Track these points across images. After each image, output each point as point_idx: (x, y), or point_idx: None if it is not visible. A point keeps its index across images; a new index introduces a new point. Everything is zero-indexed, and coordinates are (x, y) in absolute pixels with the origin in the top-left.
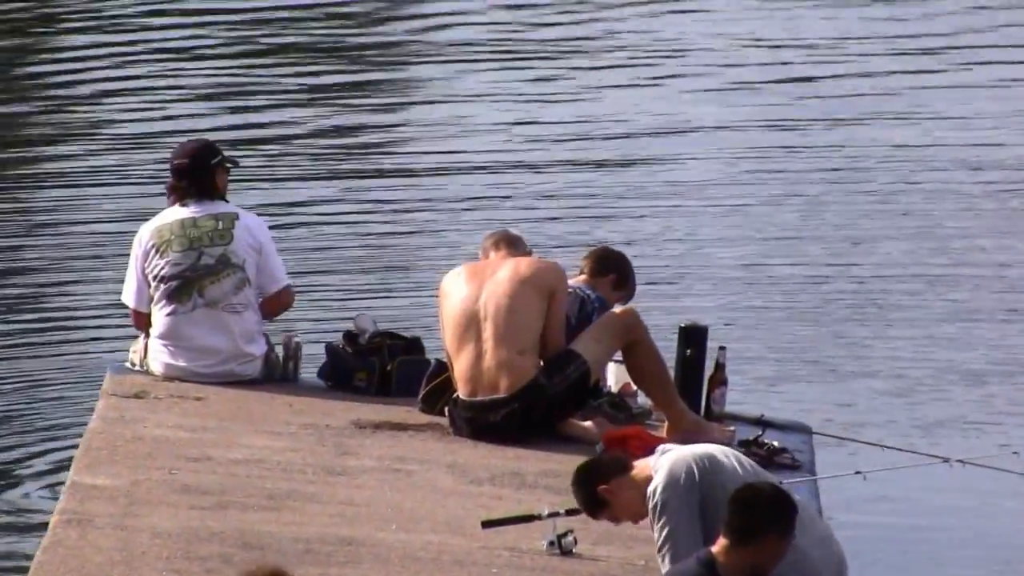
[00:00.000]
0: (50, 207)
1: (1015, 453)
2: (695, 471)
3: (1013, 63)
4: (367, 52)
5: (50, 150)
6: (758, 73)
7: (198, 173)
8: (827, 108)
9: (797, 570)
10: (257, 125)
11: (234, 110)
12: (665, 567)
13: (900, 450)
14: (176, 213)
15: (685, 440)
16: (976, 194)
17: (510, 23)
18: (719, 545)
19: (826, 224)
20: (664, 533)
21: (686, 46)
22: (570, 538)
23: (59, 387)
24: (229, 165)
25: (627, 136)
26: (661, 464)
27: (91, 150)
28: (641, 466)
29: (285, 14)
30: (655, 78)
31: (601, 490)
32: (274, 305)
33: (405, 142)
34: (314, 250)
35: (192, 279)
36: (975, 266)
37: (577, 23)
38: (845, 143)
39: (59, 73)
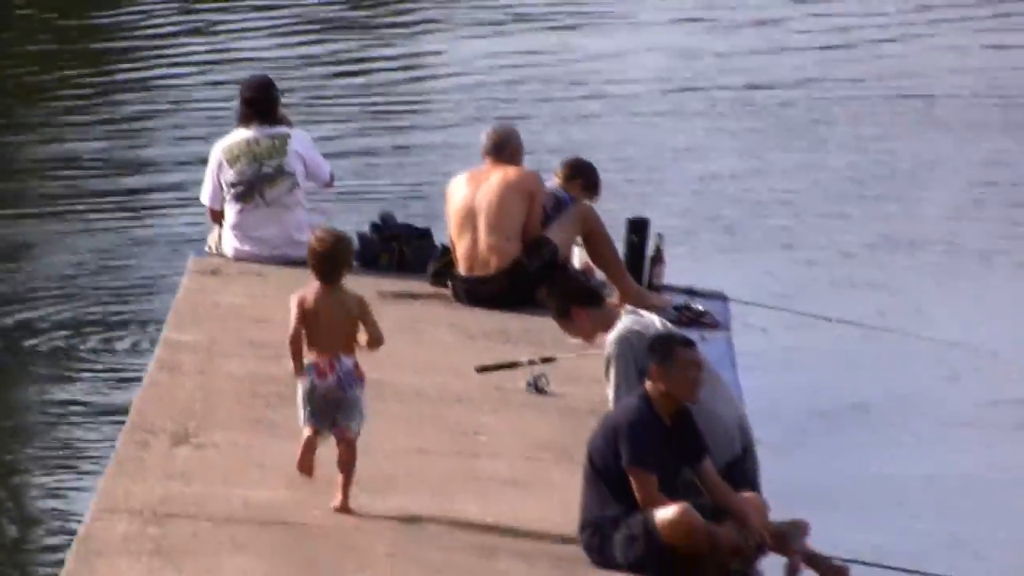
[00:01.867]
0: (146, 127)
1: (881, 314)
2: (641, 336)
3: None
4: None
5: (142, 72)
6: None
7: (261, 103)
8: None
9: (709, 424)
10: (304, 48)
11: (289, 38)
12: (611, 400)
13: (795, 311)
14: (243, 134)
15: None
16: (900, 95)
17: None
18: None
19: (758, 122)
20: (613, 376)
21: None
22: (544, 380)
23: (152, 267)
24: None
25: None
26: (620, 324)
27: (178, 76)
28: (609, 311)
29: None
30: None
31: (573, 309)
32: (328, 188)
33: (420, 77)
34: (350, 160)
35: (255, 184)
36: (892, 146)
37: None
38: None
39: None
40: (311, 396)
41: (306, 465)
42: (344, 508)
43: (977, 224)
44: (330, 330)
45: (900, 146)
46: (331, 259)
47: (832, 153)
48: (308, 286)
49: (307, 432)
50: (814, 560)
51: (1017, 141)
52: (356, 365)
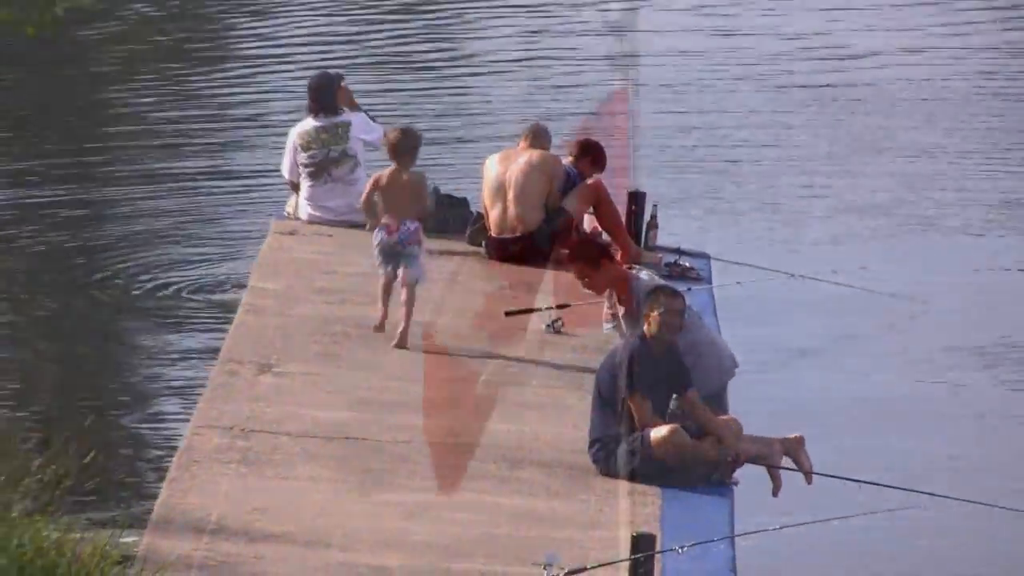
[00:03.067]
0: (231, 107)
1: (834, 271)
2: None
3: None
4: None
5: (234, 66)
6: None
7: (324, 98)
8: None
9: (709, 351)
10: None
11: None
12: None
13: (765, 268)
14: (312, 123)
15: (632, 262)
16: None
17: None
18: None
19: (745, 101)
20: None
21: None
22: (559, 323)
23: (240, 226)
24: (343, 84)
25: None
26: (643, 282)
27: (260, 71)
28: (617, 270)
29: None
30: None
31: (604, 262)
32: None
33: (472, 52)
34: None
35: (324, 164)
36: (852, 127)
37: None
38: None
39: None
40: (381, 247)
41: (384, 302)
42: (403, 343)
43: (920, 195)
44: (396, 199)
45: (859, 127)
46: (399, 144)
47: (797, 133)
48: (386, 169)
49: (382, 280)
50: (787, 444)
51: (965, 124)
52: (417, 230)
